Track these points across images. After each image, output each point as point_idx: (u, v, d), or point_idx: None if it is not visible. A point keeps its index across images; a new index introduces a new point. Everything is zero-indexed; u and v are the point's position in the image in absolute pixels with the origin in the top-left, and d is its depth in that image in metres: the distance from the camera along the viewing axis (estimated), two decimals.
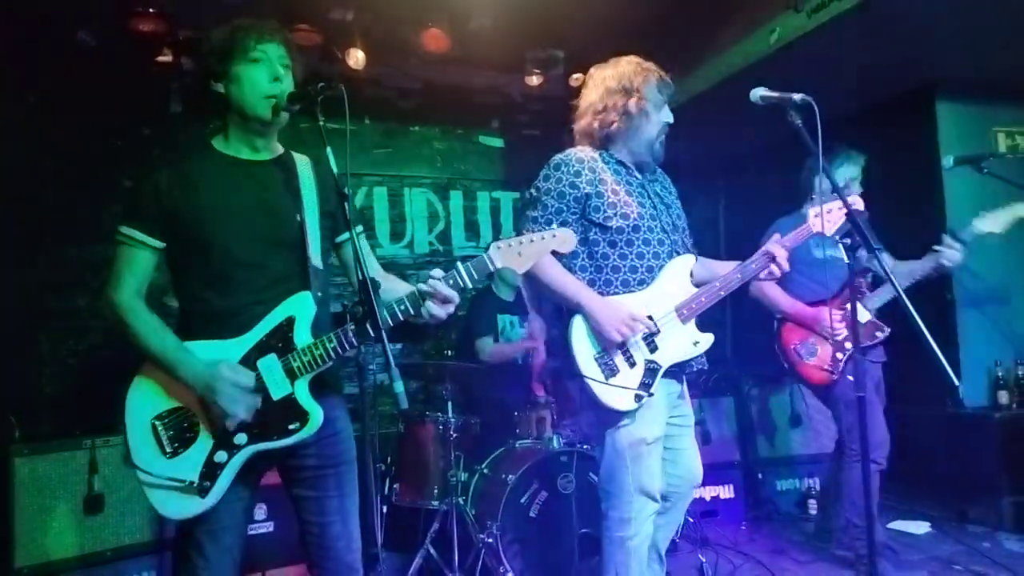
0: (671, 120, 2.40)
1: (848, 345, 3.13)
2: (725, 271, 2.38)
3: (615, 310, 2.21)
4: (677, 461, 2.43)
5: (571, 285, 2.27)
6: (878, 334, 3.19)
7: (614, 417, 2.28)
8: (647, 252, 2.33)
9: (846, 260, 3.05)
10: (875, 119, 3.26)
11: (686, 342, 2.32)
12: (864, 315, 3.19)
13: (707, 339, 2.34)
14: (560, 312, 2.35)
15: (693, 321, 2.34)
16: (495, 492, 3.19)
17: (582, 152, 2.38)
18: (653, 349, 2.27)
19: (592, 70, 2.46)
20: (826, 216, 2.45)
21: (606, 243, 2.33)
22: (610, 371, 2.24)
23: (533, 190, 2.38)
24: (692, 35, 4.25)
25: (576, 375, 2.25)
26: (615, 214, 2.30)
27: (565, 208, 2.30)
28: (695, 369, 2.42)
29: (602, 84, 2.39)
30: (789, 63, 3.78)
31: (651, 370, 2.25)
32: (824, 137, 2.01)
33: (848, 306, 3.02)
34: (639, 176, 2.43)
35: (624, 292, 2.31)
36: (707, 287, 2.34)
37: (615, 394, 2.23)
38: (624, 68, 2.38)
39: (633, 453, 2.27)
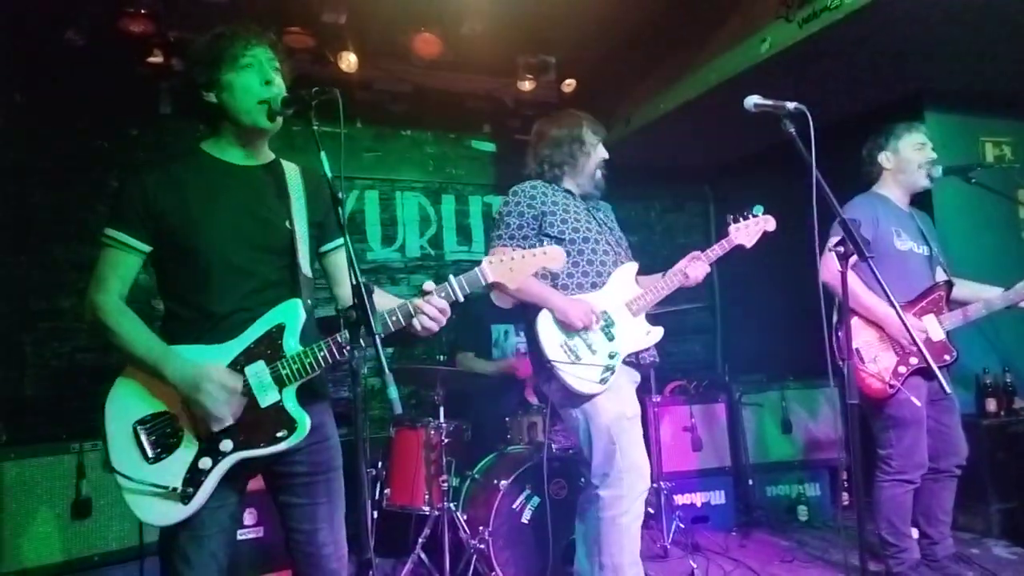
0: (607, 157, 2.87)
1: (914, 361, 2.92)
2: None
3: (577, 303, 2.58)
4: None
5: (538, 287, 2.62)
6: (946, 357, 2.98)
7: (587, 401, 2.56)
8: (595, 260, 2.72)
9: (925, 254, 3.13)
10: (864, 128, 3.28)
11: (639, 333, 2.70)
12: (939, 333, 2.99)
13: (658, 331, 2.73)
14: (530, 312, 2.67)
15: (643, 315, 2.72)
16: (487, 497, 3.18)
17: (534, 182, 2.80)
18: (611, 338, 2.62)
19: (537, 125, 2.98)
20: (745, 230, 2.78)
21: None
22: (575, 356, 2.56)
23: (496, 215, 2.78)
24: (683, 42, 4.28)
25: (544, 361, 2.55)
26: (567, 228, 2.69)
27: (525, 224, 2.68)
28: (648, 360, 2.77)
29: (549, 134, 2.87)
30: (779, 72, 3.81)
31: (611, 355, 2.59)
32: (817, 144, 2.02)
33: (924, 318, 3.00)
34: (583, 203, 2.84)
35: (579, 293, 2.66)
36: (650, 285, 2.73)
37: (582, 375, 2.55)
38: (566, 119, 2.88)
39: (617, 428, 2.55)
